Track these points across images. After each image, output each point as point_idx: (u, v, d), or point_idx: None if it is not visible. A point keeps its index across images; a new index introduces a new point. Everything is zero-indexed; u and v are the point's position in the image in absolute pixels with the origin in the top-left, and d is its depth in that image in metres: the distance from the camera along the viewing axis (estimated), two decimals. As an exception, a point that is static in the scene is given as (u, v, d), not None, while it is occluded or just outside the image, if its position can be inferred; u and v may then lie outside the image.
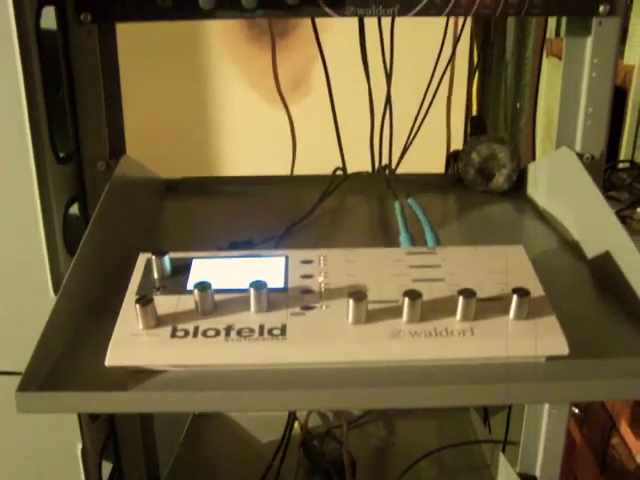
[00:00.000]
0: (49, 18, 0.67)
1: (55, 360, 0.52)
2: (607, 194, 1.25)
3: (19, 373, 0.48)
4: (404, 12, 0.68)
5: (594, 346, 0.54)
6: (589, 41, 0.71)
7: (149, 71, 1.49)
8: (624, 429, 1.11)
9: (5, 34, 0.61)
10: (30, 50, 0.63)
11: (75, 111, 0.72)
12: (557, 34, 1.70)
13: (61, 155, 0.69)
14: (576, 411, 1.27)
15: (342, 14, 0.68)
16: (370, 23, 0.85)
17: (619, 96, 1.73)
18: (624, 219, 1.16)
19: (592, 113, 0.74)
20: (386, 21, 0.89)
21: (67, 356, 0.52)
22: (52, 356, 0.52)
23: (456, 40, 1.04)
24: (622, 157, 1.69)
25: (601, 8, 0.68)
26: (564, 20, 0.76)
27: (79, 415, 0.75)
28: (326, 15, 0.68)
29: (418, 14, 0.68)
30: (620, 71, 1.67)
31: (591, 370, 0.51)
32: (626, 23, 1.72)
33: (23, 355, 0.49)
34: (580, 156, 0.74)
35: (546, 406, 0.85)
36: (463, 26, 0.99)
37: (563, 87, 0.77)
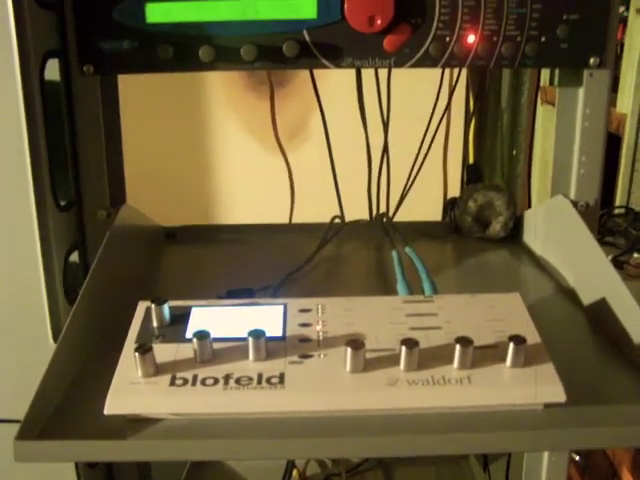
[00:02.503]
0: (53, 69, 0.69)
1: (54, 408, 0.52)
2: (603, 240, 1.26)
3: (18, 421, 0.48)
4: (400, 64, 0.70)
5: (591, 393, 0.54)
6: (581, 91, 0.73)
7: (149, 119, 1.51)
8: (625, 476, 1.10)
9: (10, 85, 0.62)
10: (34, 101, 0.64)
11: (76, 160, 0.74)
12: (551, 82, 1.73)
13: (62, 203, 0.70)
14: (577, 458, 1.26)
15: (339, 66, 0.69)
16: (367, 72, 0.87)
17: (614, 143, 1.76)
18: (621, 264, 1.16)
19: (586, 162, 0.75)
20: (383, 71, 0.91)
21: (66, 404, 0.52)
22: (51, 404, 0.52)
23: (452, 89, 1.05)
24: (618, 203, 1.71)
25: (591, 60, 0.70)
26: (557, 70, 0.78)
27: (76, 462, 0.74)
28: (324, 67, 0.69)
29: (414, 66, 0.70)
30: (614, 119, 1.69)
31: (589, 417, 0.51)
32: (617, 72, 1.75)
33: (22, 403, 0.49)
34: (575, 204, 0.74)
35: (546, 453, 0.85)
36: (458, 76, 1.00)
37: (557, 136, 0.79)
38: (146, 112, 1.47)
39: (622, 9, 1.70)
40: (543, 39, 0.69)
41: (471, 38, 0.69)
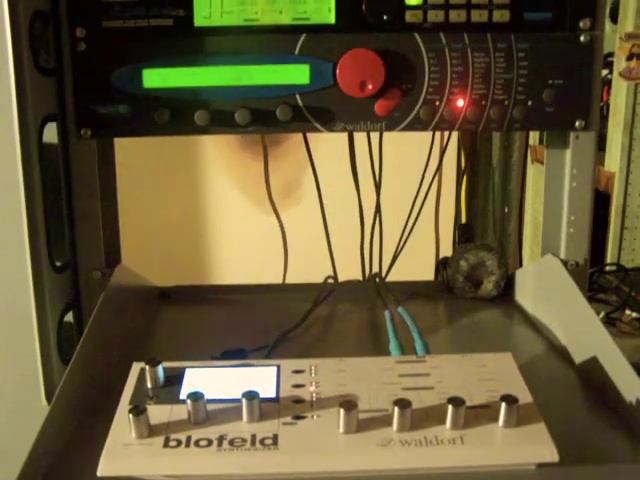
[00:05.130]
0: (51, 132, 0.70)
1: (46, 470, 0.51)
2: (595, 297, 1.26)
3: (10, 484, 0.48)
4: (391, 127, 0.71)
5: (584, 452, 0.54)
6: (568, 153, 0.75)
7: (144, 179, 1.52)
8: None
9: (9, 149, 0.63)
10: (32, 164, 0.65)
11: (72, 221, 0.74)
12: (541, 142, 1.77)
13: (58, 264, 0.71)
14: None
15: (332, 130, 0.71)
16: (360, 133, 0.88)
17: (603, 201, 1.78)
18: (613, 322, 1.17)
19: (574, 221, 0.76)
20: (375, 132, 0.93)
21: (59, 466, 0.52)
22: (44, 466, 0.51)
23: (443, 149, 1.07)
24: (609, 260, 1.72)
25: (577, 123, 0.72)
26: (545, 132, 0.80)
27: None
28: (316, 130, 0.71)
29: (404, 129, 0.71)
30: (602, 177, 1.72)
31: (582, 477, 0.51)
32: (604, 132, 1.79)
33: (15, 465, 0.49)
34: (565, 263, 0.75)
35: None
36: (449, 136, 1.02)
37: (546, 196, 0.80)
38: (141, 172, 1.49)
39: (606, 72, 1.74)
40: (530, 103, 0.71)
41: (460, 102, 0.71)
